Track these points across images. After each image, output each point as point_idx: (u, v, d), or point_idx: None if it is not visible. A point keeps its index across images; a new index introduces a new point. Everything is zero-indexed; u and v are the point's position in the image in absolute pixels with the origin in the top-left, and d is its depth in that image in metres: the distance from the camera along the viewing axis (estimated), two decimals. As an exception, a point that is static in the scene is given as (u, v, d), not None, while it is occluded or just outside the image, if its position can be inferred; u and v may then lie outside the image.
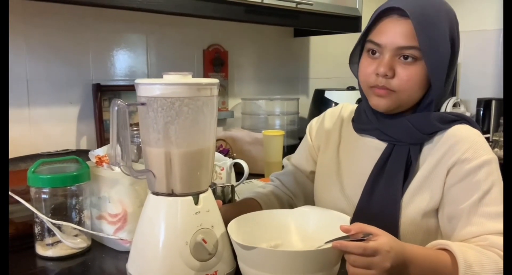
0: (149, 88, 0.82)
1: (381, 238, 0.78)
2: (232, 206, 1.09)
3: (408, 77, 0.94)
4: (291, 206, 1.16)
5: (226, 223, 0.88)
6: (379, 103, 0.98)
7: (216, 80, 0.87)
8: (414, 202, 0.96)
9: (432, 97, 0.97)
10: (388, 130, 1.01)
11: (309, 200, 1.19)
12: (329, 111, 1.20)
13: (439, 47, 0.94)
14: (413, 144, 0.98)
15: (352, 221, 1.00)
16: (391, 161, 0.99)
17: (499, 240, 0.85)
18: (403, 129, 0.99)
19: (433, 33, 0.93)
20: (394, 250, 0.77)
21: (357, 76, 1.05)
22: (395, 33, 0.94)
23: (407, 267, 0.80)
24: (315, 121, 1.21)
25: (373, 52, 0.98)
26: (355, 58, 1.07)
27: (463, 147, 0.93)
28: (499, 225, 0.87)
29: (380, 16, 0.97)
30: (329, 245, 0.76)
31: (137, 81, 0.83)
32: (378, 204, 0.98)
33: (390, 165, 0.99)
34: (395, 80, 0.95)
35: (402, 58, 0.94)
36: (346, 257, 0.78)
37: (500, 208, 0.88)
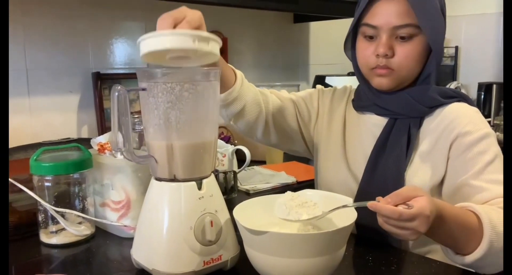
0: (150, 73, 0.81)
1: (421, 202, 0.76)
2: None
3: (407, 54, 0.98)
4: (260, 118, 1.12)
5: None
6: (381, 82, 1.01)
7: (217, 65, 0.86)
8: (418, 175, 0.98)
9: (430, 70, 1.01)
10: (387, 104, 1.04)
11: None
12: (338, 90, 1.20)
13: (435, 20, 0.98)
14: (413, 117, 1.02)
15: (356, 196, 1.01)
16: (393, 135, 1.03)
17: None
18: (403, 103, 1.02)
19: (427, 6, 0.97)
20: (433, 215, 0.76)
21: (352, 61, 1.09)
22: (389, 14, 0.97)
23: (439, 227, 0.80)
24: (327, 90, 1.21)
25: (369, 35, 1.01)
26: (349, 43, 1.10)
27: (463, 121, 0.97)
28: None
29: None
30: (338, 226, 0.76)
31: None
32: (382, 177, 1.00)
33: (392, 139, 1.02)
34: (395, 58, 0.99)
35: (398, 37, 0.98)
36: (378, 216, 0.77)
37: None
